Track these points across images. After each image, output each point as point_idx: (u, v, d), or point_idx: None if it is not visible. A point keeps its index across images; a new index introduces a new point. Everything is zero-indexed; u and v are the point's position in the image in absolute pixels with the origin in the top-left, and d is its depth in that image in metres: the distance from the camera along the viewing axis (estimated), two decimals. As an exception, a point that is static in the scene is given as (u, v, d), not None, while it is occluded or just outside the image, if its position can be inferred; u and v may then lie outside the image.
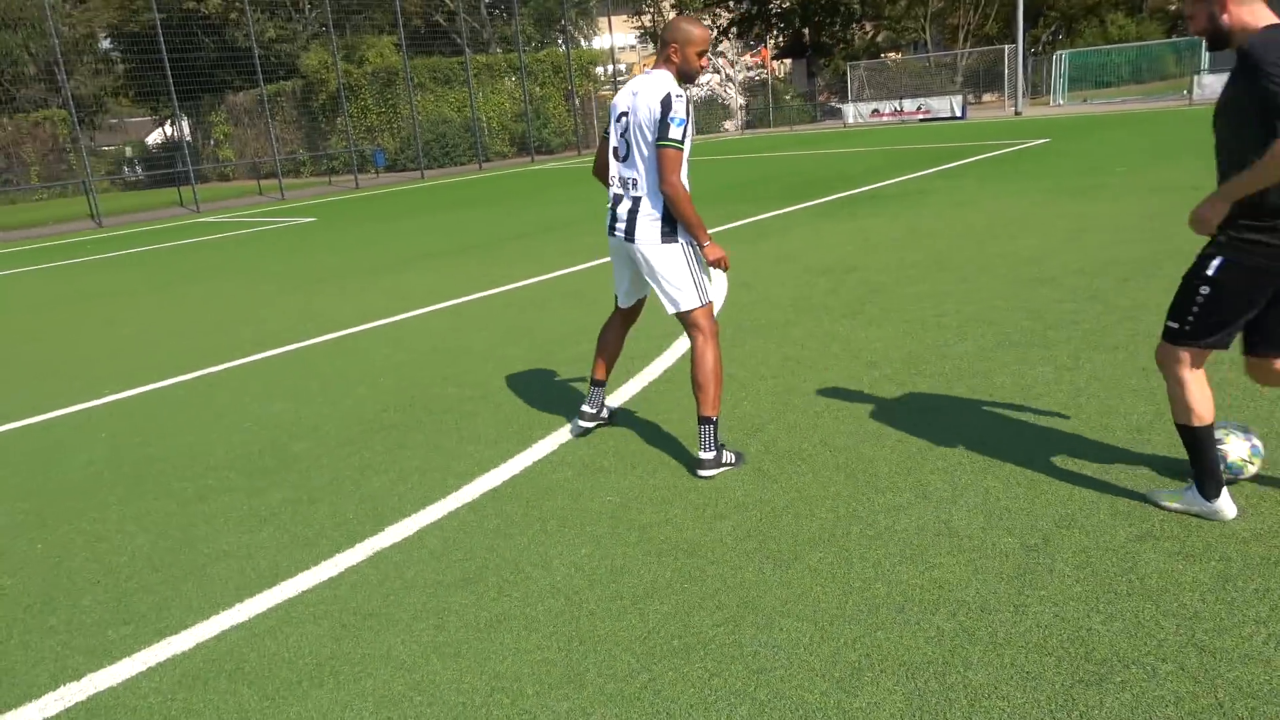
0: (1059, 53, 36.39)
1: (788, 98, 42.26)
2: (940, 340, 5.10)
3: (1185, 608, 2.46)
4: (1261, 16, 2.59)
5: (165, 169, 34.91)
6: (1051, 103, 34.57)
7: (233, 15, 34.98)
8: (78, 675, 2.64)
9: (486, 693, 2.38)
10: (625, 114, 3.60)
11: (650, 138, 3.49)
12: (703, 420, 3.62)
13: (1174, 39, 36.85)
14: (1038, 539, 2.87)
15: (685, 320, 3.70)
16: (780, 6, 43.81)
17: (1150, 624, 2.40)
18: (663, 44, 3.57)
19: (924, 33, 44.59)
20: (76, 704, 2.51)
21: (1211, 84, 27.80)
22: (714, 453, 3.62)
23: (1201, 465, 2.88)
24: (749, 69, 46.67)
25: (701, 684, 2.32)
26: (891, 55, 46.69)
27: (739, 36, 45.81)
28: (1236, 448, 3.03)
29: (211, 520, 3.67)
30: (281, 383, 5.68)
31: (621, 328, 4.20)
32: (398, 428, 4.58)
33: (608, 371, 4.19)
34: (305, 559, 3.24)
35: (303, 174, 35.16)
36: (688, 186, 3.52)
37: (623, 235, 3.71)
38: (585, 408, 4.20)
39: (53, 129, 37.06)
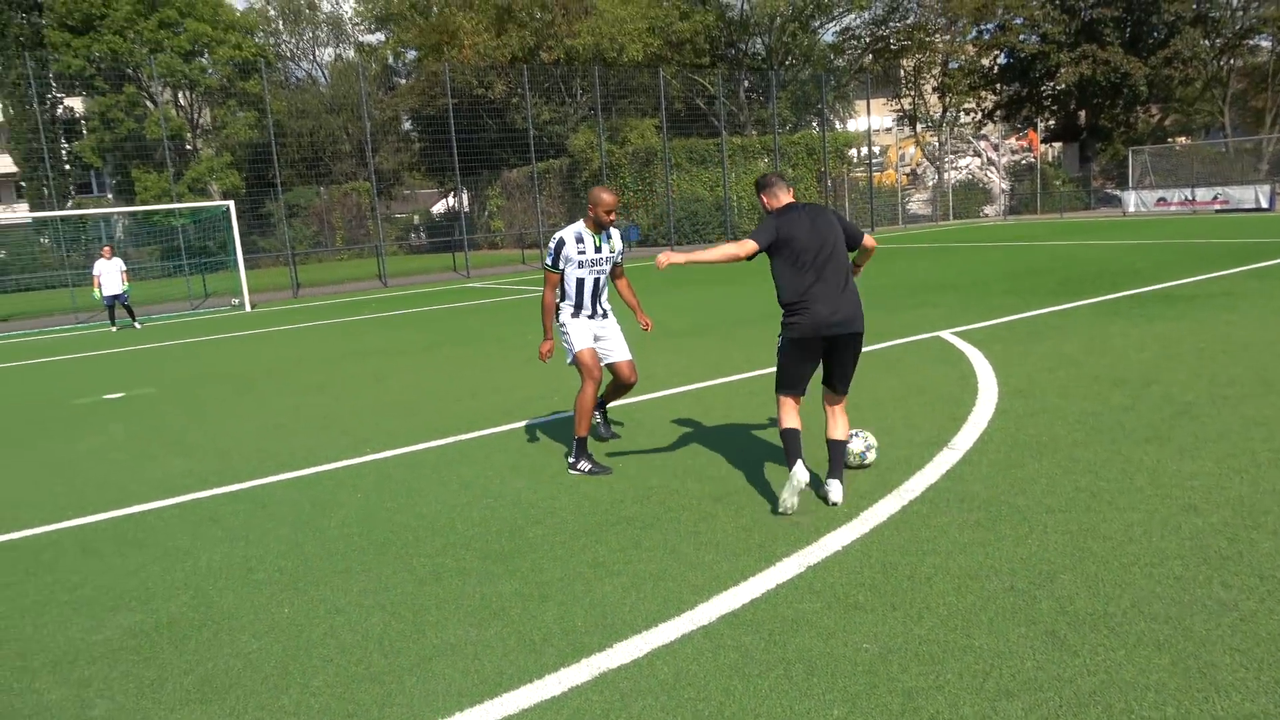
0: (1399, 138, 31.47)
1: (1058, 183, 39.58)
2: (1282, 484, 4.17)
3: None
4: (781, 200, 4.52)
5: (444, 236, 38.41)
6: (1387, 195, 29.81)
7: (514, 100, 38.21)
8: (297, 771, 2.54)
9: None
10: None
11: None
12: (575, 438, 5.31)
13: None
14: None
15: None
16: (1054, 89, 41.41)
17: None
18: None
19: (1221, 116, 40.37)
20: (291, 805, 2.40)
21: None
22: (574, 459, 5.30)
23: (786, 447, 4.34)
24: (1014, 152, 44.37)
25: None
26: (1180, 139, 42.64)
27: (1005, 119, 43.75)
28: (856, 444, 4.78)
29: (443, 606, 3.58)
30: (525, 458, 5.68)
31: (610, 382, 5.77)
32: (634, 522, 4.36)
33: (604, 398, 5.88)
34: (529, 668, 3.03)
35: (561, 245, 37.24)
36: (558, 296, 5.42)
37: None
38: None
39: (357, 198, 42.04)
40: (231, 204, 21.79)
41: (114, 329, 18.02)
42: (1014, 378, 6.77)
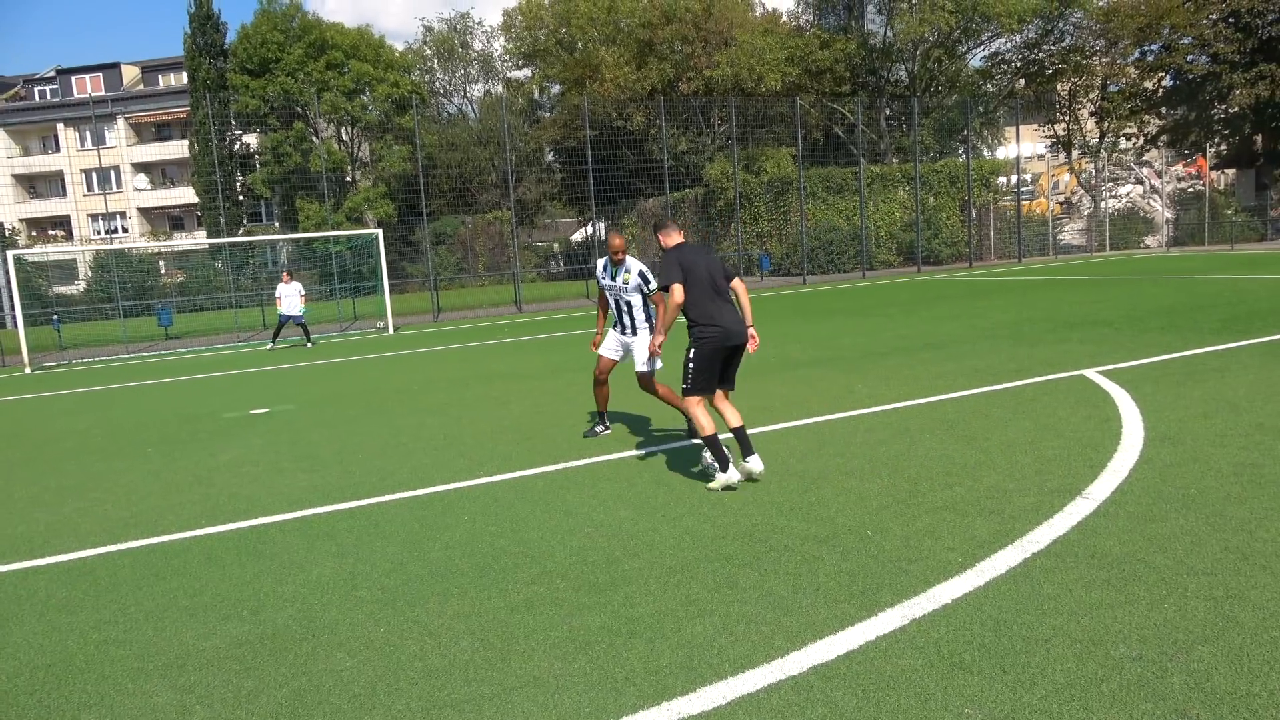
0: None
1: (1229, 212, 36.67)
2: None
3: None
4: (674, 239, 5.64)
5: (580, 264, 39.28)
6: None
7: (652, 131, 38.79)
8: (366, 796, 2.55)
9: None
10: None
11: None
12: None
13: None
14: None
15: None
16: (1226, 112, 38.47)
17: None
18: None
19: None
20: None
21: None
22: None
23: (716, 454, 5.33)
24: (1180, 179, 41.44)
25: None
26: (1378, 164, 38.65)
27: (1170, 145, 40.95)
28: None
29: (532, 635, 3.56)
30: (632, 487, 5.63)
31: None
32: (732, 560, 4.22)
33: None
34: (608, 707, 2.95)
35: (694, 274, 37.33)
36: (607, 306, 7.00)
37: None
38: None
39: (500, 227, 43.59)
40: (379, 231, 22.97)
41: (270, 347, 19.31)
42: (1163, 422, 6.22)
